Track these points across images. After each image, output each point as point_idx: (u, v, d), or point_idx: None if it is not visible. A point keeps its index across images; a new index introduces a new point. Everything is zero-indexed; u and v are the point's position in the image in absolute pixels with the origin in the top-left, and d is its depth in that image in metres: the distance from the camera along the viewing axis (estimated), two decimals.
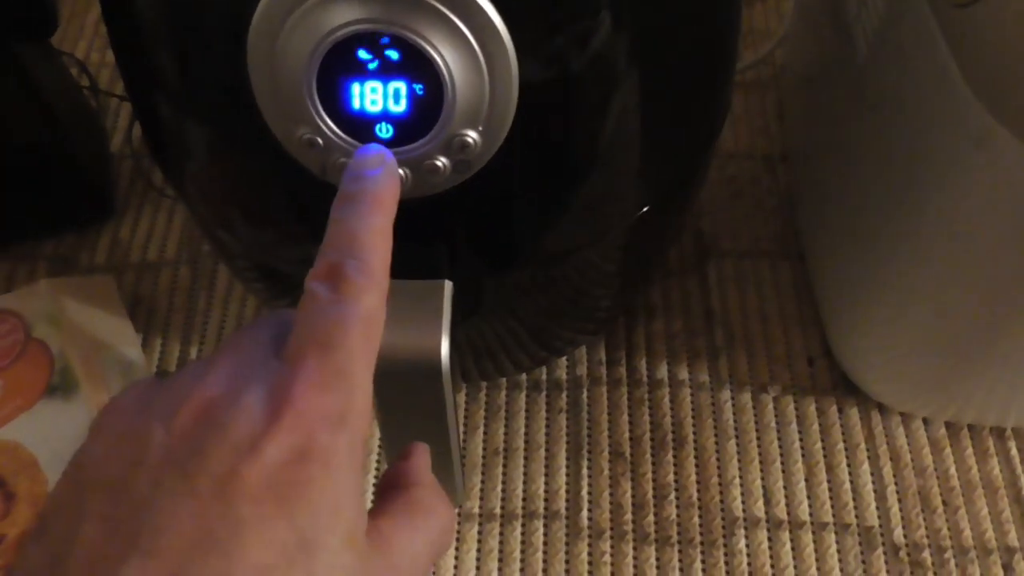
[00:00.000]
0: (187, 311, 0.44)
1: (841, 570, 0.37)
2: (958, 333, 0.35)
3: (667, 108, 0.28)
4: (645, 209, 0.30)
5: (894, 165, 0.33)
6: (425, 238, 0.26)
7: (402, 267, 0.21)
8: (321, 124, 0.22)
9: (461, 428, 0.40)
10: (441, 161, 0.23)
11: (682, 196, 0.34)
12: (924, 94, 0.30)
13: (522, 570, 0.37)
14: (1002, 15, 0.26)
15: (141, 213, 0.47)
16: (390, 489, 0.21)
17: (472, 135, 0.23)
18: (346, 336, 0.19)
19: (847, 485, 0.39)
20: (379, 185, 0.21)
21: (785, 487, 0.39)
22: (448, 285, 0.26)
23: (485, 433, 0.40)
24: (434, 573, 0.37)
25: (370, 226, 0.20)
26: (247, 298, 0.44)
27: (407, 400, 0.26)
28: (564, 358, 0.42)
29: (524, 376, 0.42)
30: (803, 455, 0.40)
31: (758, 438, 0.40)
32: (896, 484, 0.39)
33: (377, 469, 0.39)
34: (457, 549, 0.37)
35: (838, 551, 0.37)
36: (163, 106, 0.28)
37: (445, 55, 0.21)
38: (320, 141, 0.23)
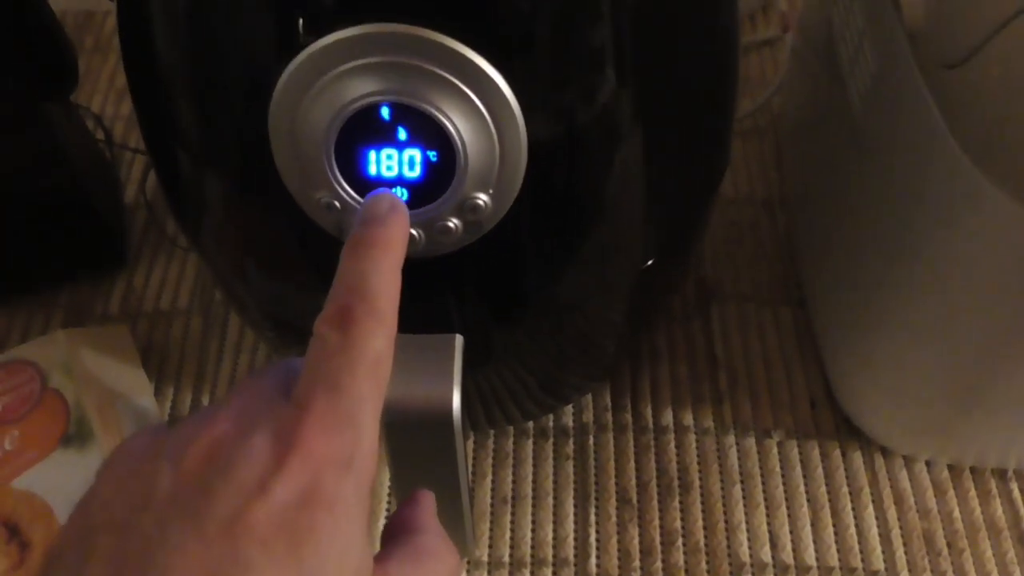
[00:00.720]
0: (199, 359, 0.44)
1: None
2: (958, 377, 0.35)
3: (669, 164, 0.29)
4: (650, 262, 0.31)
5: (889, 213, 0.34)
6: (437, 294, 0.27)
7: (414, 321, 0.22)
8: (339, 188, 0.23)
9: (470, 476, 0.41)
10: (453, 223, 0.24)
11: (685, 246, 0.35)
12: (915, 147, 0.31)
13: None
14: (988, 76, 0.27)
15: (154, 263, 0.48)
16: (396, 535, 0.21)
17: (483, 197, 0.24)
18: (354, 379, 0.19)
19: (852, 529, 0.39)
20: (388, 229, 0.21)
21: (791, 531, 0.39)
22: (459, 339, 0.26)
23: (493, 480, 0.41)
24: None
25: (379, 270, 0.20)
26: (258, 346, 0.45)
27: (419, 451, 0.27)
28: (570, 404, 0.43)
29: (531, 423, 0.42)
30: (808, 499, 0.40)
31: (763, 483, 0.40)
32: (900, 527, 0.39)
33: (387, 517, 0.40)
34: None
35: None
36: (183, 164, 0.29)
37: (457, 123, 0.22)
38: (337, 204, 0.24)
